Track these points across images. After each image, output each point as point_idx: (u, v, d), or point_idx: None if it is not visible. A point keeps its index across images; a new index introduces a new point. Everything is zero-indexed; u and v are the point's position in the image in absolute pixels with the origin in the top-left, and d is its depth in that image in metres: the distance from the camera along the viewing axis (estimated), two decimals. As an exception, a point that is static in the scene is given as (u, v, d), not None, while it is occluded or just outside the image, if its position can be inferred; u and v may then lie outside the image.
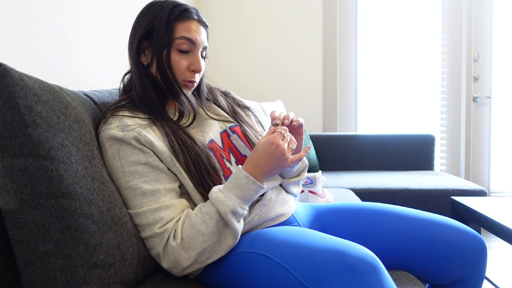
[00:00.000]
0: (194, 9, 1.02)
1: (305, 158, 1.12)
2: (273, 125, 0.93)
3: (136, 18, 1.03)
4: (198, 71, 1.01)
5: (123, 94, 1.06)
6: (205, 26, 1.04)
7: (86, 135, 0.87)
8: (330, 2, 2.97)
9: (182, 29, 0.98)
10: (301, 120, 0.98)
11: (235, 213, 0.86)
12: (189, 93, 1.04)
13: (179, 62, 0.99)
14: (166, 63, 0.98)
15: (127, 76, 1.07)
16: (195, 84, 1.04)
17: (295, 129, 1.00)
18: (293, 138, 0.91)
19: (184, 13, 0.99)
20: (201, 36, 1.01)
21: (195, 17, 1.01)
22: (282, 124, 0.94)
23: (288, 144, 0.90)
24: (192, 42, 0.99)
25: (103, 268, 0.79)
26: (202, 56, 1.04)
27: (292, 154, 0.99)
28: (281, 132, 0.89)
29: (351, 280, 0.70)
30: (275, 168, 0.89)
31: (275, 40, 3.01)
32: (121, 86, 1.07)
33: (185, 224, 0.87)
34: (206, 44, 1.03)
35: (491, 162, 3.00)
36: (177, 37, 0.98)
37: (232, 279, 0.87)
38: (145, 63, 1.01)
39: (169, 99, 1.04)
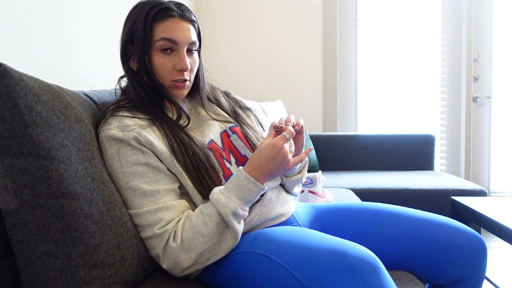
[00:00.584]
0: (177, 4, 0.98)
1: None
2: (273, 127, 0.93)
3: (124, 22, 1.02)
4: (185, 69, 0.98)
5: (122, 95, 1.05)
6: (190, 21, 0.99)
7: (86, 135, 0.87)
8: (330, 2, 2.97)
9: (160, 30, 0.95)
10: (301, 121, 0.97)
11: (236, 215, 0.86)
12: (182, 93, 1.01)
13: (163, 64, 0.97)
14: (149, 68, 0.96)
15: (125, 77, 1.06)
16: (188, 83, 1.01)
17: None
18: (291, 141, 0.91)
19: (162, 13, 0.95)
20: (184, 33, 0.96)
21: (176, 14, 0.96)
22: (286, 125, 0.94)
23: (289, 147, 0.90)
24: (174, 42, 0.96)
25: (103, 268, 0.79)
26: (191, 52, 1.00)
27: (293, 156, 0.99)
28: (285, 136, 0.89)
29: (351, 280, 0.70)
30: (277, 170, 0.89)
31: (275, 40, 3.01)
32: (117, 87, 1.06)
33: (186, 225, 0.87)
34: (193, 39, 0.98)
35: (491, 162, 3.00)
36: (157, 39, 0.95)
37: (232, 279, 0.87)
38: (134, 69, 0.99)
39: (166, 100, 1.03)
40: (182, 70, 0.98)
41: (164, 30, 0.95)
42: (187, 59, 0.98)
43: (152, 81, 0.97)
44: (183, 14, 0.98)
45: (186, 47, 0.98)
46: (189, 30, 0.98)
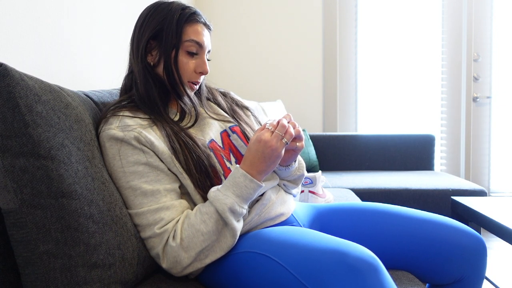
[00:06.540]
0: (199, 12, 1.04)
1: (303, 165, 1.12)
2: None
3: (141, 19, 1.03)
4: (205, 73, 1.04)
5: (122, 94, 1.06)
6: (210, 29, 1.06)
7: (86, 135, 0.87)
8: (330, 2, 2.97)
9: (191, 32, 1.00)
10: (299, 129, 0.95)
11: (233, 211, 0.86)
12: (192, 93, 1.05)
13: (187, 64, 1.01)
14: (173, 64, 1.00)
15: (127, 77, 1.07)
16: (198, 85, 1.06)
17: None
18: (290, 132, 0.89)
19: (193, 16, 1.01)
20: (207, 39, 1.04)
21: (202, 20, 1.03)
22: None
23: (283, 138, 0.89)
24: (200, 45, 1.01)
25: (103, 268, 0.79)
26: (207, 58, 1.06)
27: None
28: (269, 128, 0.89)
29: (351, 280, 0.70)
30: (270, 164, 0.89)
31: (275, 40, 3.01)
32: (124, 82, 1.07)
33: (185, 224, 0.88)
34: (210, 47, 1.06)
35: (491, 162, 3.00)
36: (186, 39, 1.00)
37: (232, 279, 0.87)
38: (152, 63, 1.01)
39: (172, 100, 1.04)
40: (202, 73, 1.04)
41: (194, 32, 1.01)
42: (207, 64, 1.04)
43: (171, 76, 1.00)
44: (206, 22, 1.04)
45: (206, 52, 1.04)
46: (209, 38, 1.05)
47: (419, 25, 2.99)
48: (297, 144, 0.96)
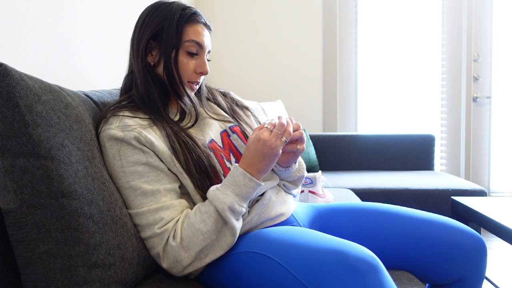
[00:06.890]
0: (200, 12, 1.04)
1: (303, 166, 1.12)
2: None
3: (141, 19, 1.03)
4: (205, 73, 1.04)
5: (122, 94, 1.06)
6: (210, 29, 1.06)
7: (86, 135, 0.87)
8: (330, 2, 2.97)
9: (191, 32, 1.00)
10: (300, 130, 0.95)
11: (233, 210, 0.86)
12: (192, 94, 1.05)
13: (187, 65, 1.01)
14: (173, 64, 1.00)
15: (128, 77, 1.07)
16: (198, 86, 1.06)
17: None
18: (289, 130, 0.90)
19: (193, 17, 1.01)
20: (207, 39, 1.04)
21: (202, 20, 1.03)
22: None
23: (282, 137, 0.89)
24: (200, 46, 1.02)
25: (103, 268, 0.79)
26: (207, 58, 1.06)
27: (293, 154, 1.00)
28: (268, 128, 0.89)
29: (351, 280, 0.70)
30: (269, 163, 0.89)
31: (275, 40, 3.01)
32: (124, 82, 1.07)
33: (184, 224, 0.88)
34: (210, 47, 1.06)
35: (491, 162, 3.00)
36: (186, 40, 1.00)
37: (232, 279, 0.87)
38: (152, 63, 1.01)
39: (172, 100, 1.04)
40: (202, 74, 1.04)
41: (194, 32, 1.01)
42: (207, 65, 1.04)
43: (171, 76, 1.00)
44: (206, 22, 1.04)
45: (206, 53, 1.04)
46: (209, 38, 1.05)
47: (419, 25, 2.99)
48: (298, 146, 0.96)
